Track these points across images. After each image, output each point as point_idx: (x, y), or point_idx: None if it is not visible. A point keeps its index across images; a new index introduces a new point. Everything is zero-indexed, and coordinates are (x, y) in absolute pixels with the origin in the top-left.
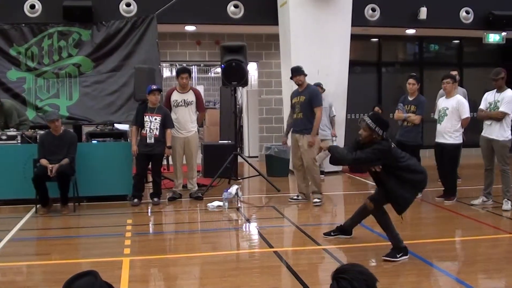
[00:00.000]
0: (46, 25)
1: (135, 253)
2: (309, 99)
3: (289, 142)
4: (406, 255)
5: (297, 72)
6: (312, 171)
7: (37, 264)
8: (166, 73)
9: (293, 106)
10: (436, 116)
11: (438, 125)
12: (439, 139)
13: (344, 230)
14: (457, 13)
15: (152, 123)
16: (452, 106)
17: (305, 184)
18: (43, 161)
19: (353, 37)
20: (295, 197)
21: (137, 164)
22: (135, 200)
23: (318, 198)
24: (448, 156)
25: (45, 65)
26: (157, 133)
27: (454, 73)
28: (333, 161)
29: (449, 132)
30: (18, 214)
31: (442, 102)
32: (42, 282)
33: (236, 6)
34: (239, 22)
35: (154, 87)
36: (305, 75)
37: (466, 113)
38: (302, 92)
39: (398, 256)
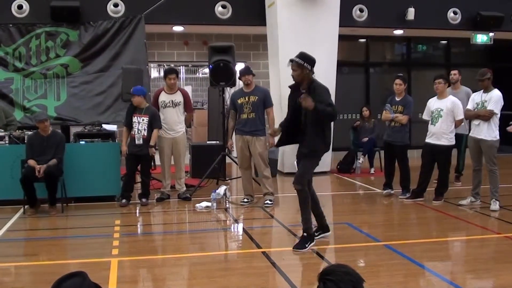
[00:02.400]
0: (33, 25)
1: (123, 253)
2: (262, 99)
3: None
4: (313, 241)
5: (246, 72)
6: (267, 171)
7: (25, 265)
8: (154, 73)
9: (239, 107)
10: (426, 117)
11: (431, 126)
12: (431, 140)
13: (322, 227)
14: (444, 14)
15: (140, 123)
16: (447, 107)
17: (252, 186)
18: (31, 162)
19: (341, 37)
20: (245, 200)
21: (126, 164)
22: (124, 200)
23: (270, 200)
24: (442, 157)
25: (33, 66)
26: (145, 134)
27: (455, 72)
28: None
29: (444, 133)
30: (6, 214)
31: (435, 103)
32: (30, 283)
33: (224, 7)
34: (227, 23)
35: (133, 91)
36: (254, 75)
37: (460, 115)
38: (251, 92)
39: (307, 245)
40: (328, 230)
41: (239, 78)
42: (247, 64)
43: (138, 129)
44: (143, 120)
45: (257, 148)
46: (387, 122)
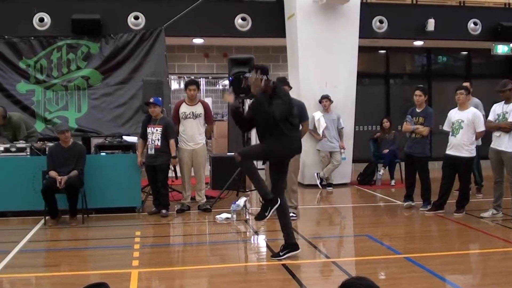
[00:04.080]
0: (55, 38)
1: (144, 265)
2: (298, 113)
3: None
4: (275, 204)
5: (283, 82)
6: (295, 185)
7: (45, 275)
8: (174, 85)
9: None
10: (447, 128)
11: (452, 137)
12: (452, 152)
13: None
14: (465, 25)
15: (154, 134)
16: (468, 118)
17: None
18: (52, 173)
19: (361, 49)
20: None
21: (147, 175)
22: (163, 211)
23: (294, 213)
24: (463, 169)
25: (54, 78)
26: (159, 144)
27: (466, 84)
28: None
29: (465, 145)
30: (27, 225)
31: (456, 114)
32: None
33: (243, 19)
34: (247, 35)
35: (151, 100)
36: (290, 87)
37: (481, 126)
38: None
39: (266, 214)
40: (297, 248)
41: None
42: (282, 75)
43: (152, 139)
44: (156, 130)
45: (290, 162)
46: (407, 134)
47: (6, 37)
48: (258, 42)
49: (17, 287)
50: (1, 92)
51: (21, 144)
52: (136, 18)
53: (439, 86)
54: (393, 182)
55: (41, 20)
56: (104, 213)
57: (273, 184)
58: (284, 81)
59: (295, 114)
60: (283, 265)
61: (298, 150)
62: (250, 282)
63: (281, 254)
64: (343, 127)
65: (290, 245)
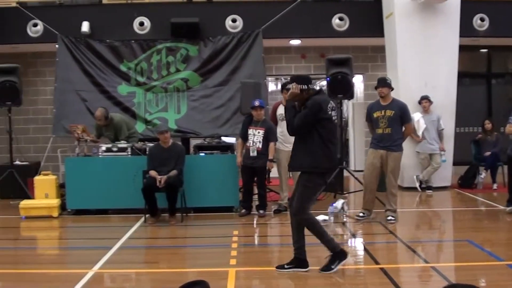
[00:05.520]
0: (154, 41)
1: (241, 264)
2: (400, 115)
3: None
4: (343, 259)
5: (382, 83)
6: (395, 188)
7: (145, 272)
8: (271, 87)
9: (374, 120)
10: None
11: None
12: None
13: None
14: None
15: (255, 136)
16: None
17: (374, 201)
18: (152, 173)
19: (461, 48)
20: (362, 214)
21: (242, 176)
22: (243, 210)
23: (393, 217)
24: None
25: (154, 80)
26: (260, 146)
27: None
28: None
29: None
30: (128, 223)
31: None
32: None
33: (341, 19)
34: (344, 35)
35: (256, 103)
36: (391, 88)
37: None
38: (388, 106)
39: (333, 266)
40: (306, 266)
41: (375, 88)
42: (383, 76)
43: (253, 141)
44: (258, 132)
45: (390, 164)
46: (511, 136)
47: (108, 41)
48: (356, 42)
49: (118, 282)
50: (103, 94)
51: (122, 144)
52: (234, 21)
53: None
54: (495, 186)
55: (141, 24)
56: (202, 212)
57: (294, 196)
58: (384, 82)
59: (329, 128)
60: (381, 269)
61: (320, 167)
62: (347, 285)
63: (332, 266)
64: (443, 129)
65: (336, 254)
